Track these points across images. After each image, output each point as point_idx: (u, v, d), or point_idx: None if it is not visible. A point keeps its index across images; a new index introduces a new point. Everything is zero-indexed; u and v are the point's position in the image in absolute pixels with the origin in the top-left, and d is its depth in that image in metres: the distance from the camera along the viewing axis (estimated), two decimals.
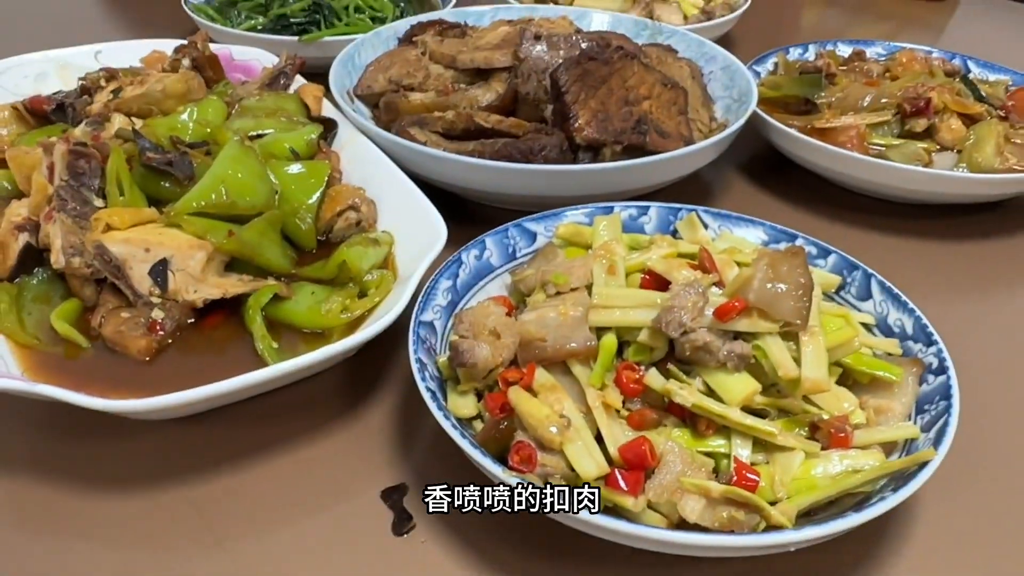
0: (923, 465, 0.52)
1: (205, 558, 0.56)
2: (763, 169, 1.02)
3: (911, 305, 0.65)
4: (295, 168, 0.77)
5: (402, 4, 1.25)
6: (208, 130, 0.83)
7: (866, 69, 1.07)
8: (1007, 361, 0.76)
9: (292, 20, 1.16)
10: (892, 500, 0.50)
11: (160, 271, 0.67)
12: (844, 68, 1.09)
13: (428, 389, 0.57)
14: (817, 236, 0.74)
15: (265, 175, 0.76)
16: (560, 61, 0.89)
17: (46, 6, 1.49)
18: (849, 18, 1.61)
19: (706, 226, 0.76)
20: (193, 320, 0.68)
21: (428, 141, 0.87)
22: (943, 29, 1.59)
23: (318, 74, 1.00)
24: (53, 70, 1.00)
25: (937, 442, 0.54)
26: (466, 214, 0.88)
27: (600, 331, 0.60)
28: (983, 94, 1.00)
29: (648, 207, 0.77)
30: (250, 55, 1.05)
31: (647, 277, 0.65)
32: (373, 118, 0.99)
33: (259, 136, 0.84)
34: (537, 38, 0.94)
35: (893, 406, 0.59)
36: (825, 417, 0.56)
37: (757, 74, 1.07)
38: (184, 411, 0.59)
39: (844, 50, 1.16)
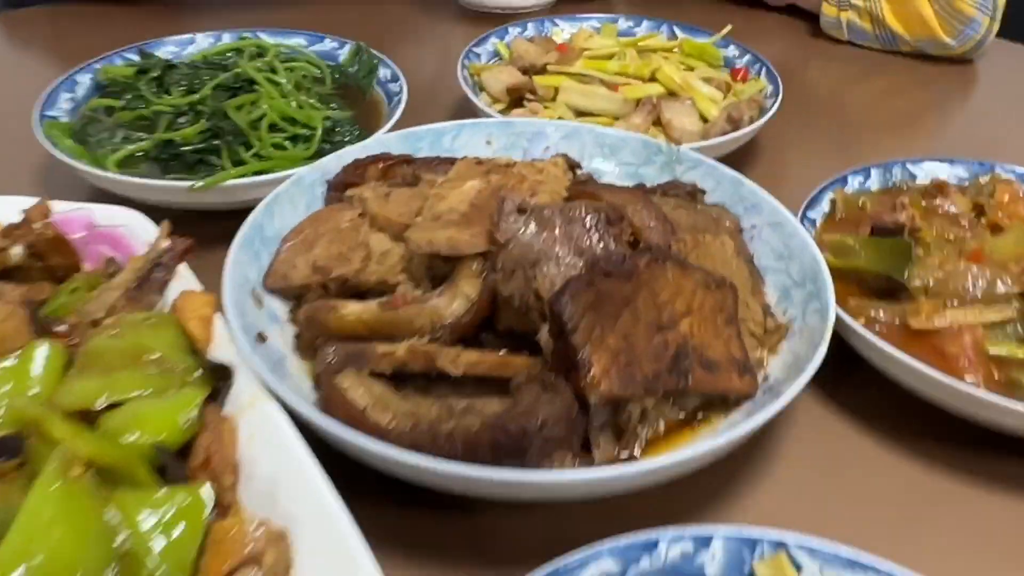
0: None
1: None
2: (835, 371, 0.73)
3: None
4: (153, 515, 0.48)
5: (334, 107, 0.95)
6: (29, 414, 0.53)
7: (953, 214, 0.81)
8: None
9: (182, 147, 0.85)
10: None
11: None
12: (924, 206, 0.82)
13: None
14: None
15: (101, 529, 0.47)
16: (559, 277, 0.61)
17: None
18: (860, 70, 1.38)
19: (799, 567, 0.50)
20: None
21: (370, 399, 0.58)
22: (975, 83, 1.36)
23: (223, 216, 0.73)
24: None
25: None
26: (425, 500, 0.60)
27: None
28: None
29: (710, 538, 0.51)
30: (119, 219, 0.75)
31: None
32: (291, 320, 0.70)
33: (112, 406, 0.55)
34: (522, 211, 0.67)
35: None
36: None
37: (812, 222, 0.80)
38: None
39: (914, 170, 0.89)
